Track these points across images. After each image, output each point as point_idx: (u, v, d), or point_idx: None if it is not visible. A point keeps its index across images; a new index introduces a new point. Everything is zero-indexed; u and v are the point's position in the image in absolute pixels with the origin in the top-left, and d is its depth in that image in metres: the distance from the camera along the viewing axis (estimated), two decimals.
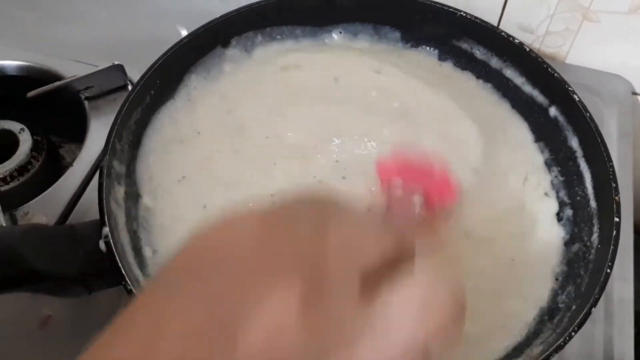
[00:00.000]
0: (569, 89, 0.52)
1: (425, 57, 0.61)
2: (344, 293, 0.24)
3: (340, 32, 0.61)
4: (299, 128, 0.55)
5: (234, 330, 0.22)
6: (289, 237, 0.26)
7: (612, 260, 0.43)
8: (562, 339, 0.40)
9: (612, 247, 0.44)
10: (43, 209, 0.57)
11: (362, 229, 0.28)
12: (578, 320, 0.41)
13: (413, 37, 0.61)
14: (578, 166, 0.51)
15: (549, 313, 0.46)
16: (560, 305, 0.46)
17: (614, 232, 0.44)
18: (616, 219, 0.45)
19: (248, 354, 0.22)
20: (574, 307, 0.44)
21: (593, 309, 0.41)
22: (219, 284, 0.24)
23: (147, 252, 0.48)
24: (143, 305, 0.24)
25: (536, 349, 0.43)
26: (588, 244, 0.48)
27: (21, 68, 0.67)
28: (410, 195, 0.42)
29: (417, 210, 0.42)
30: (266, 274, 0.24)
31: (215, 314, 0.23)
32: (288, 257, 0.25)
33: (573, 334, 0.40)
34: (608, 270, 0.43)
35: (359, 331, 0.24)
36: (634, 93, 0.70)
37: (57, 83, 0.63)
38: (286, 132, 0.54)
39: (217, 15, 0.56)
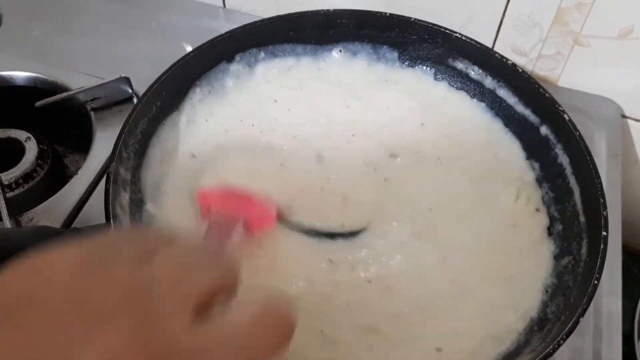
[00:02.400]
0: (560, 108, 0.54)
1: (421, 77, 0.63)
2: (174, 319, 0.24)
3: (340, 51, 0.63)
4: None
5: None
6: (112, 270, 0.25)
7: (600, 272, 0.45)
8: (550, 347, 0.42)
9: (599, 260, 0.45)
10: (48, 215, 0.58)
11: (190, 258, 0.27)
12: (566, 329, 0.42)
13: (410, 57, 0.63)
14: (568, 182, 0.53)
15: (539, 323, 0.48)
16: (549, 316, 0.47)
17: (602, 246, 0.46)
18: (604, 233, 0.47)
19: None
20: (563, 317, 0.46)
21: (581, 318, 0.43)
22: (37, 328, 0.22)
23: None
24: None
25: (526, 357, 0.44)
26: (577, 257, 0.49)
27: (30, 79, 0.69)
28: (229, 222, 0.44)
29: (237, 235, 0.44)
30: (91, 312, 0.23)
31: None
32: (113, 291, 0.24)
33: (562, 342, 0.42)
34: (596, 282, 0.44)
35: (192, 354, 0.24)
36: (623, 116, 0.72)
37: (65, 94, 0.65)
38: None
39: (222, 32, 0.58)
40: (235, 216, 0.45)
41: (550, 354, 0.41)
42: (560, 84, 0.73)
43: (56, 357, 0.22)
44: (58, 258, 0.25)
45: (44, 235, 0.44)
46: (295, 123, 0.59)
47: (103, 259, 0.25)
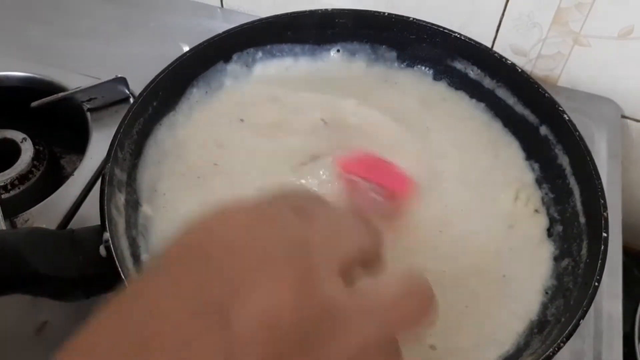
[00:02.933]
0: (559, 108, 0.54)
1: (420, 77, 0.62)
2: (330, 279, 0.26)
3: (339, 51, 0.62)
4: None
5: (227, 312, 0.23)
6: (276, 228, 0.27)
7: (600, 274, 0.44)
8: (551, 350, 0.41)
9: (600, 262, 0.45)
10: (43, 216, 0.57)
11: (342, 221, 0.29)
12: (567, 331, 0.42)
13: (409, 57, 0.62)
14: (568, 183, 0.53)
15: (539, 326, 0.47)
16: (549, 318, 0.47)
17: (602, 247, 0.46)
18: (604, 234, 0.46)
19: (242, 334, 0.23)
20: (563, 319, 0.45)
21: (581, 321, 0.42)
22: (211, 271, 0.24)
23: (145, 259, 0.49)
24: (137, 290, 0.25)
25: None
26: (577, 258, 0.49)
27: (26, 79, 0.68)
28: (370, 189, 0.44)
29: (377, 203, 0.44)
30: (259, 259, 0.25)
31: (208, 297, 0.23)
32: (277, 247, 0.26)
33: (562, 344, 0.41)
34: (596, 284, 0.44)
35: (346, 314, 0.25)
36: (623, 116, 0.72)
37: (61, 94, 0.65)
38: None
39: (219, 32, 0.58)
40: (377, 182, 0.45)
41: (550, 357, 0.41)
42: (560, 84, 0.73)
43: (227, 300, 0.23)
44: (230, 215, 0.27)
45: (39, 237, 0.44)
46: (294, 123, 0.58)
47: (269, 214, 0.27)
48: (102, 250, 0.44)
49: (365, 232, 0.30)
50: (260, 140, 0.55)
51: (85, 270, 0.44)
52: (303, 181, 0.52)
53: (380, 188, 0.46)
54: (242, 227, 0.26)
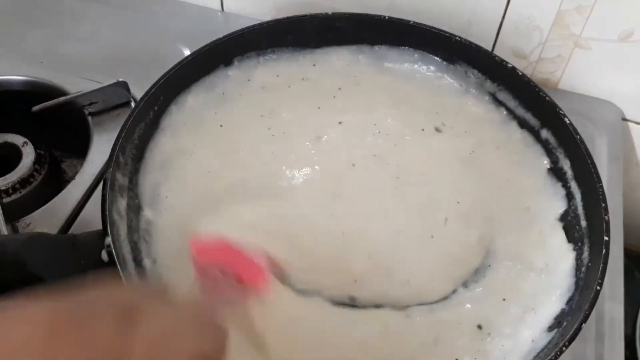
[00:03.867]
0: (560, 112, 0.54)
1: (421, 80, 0.62)
2: None
3: (340, 53, 0.62)
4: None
5: None
6: (85, 334, 0.22)
7: (602, 278, 0.44)
8: (553, 353, 0.41)
9: (601, 265, 0.45)
10: (45, 221, 0.57)
11: (178, 324, 0.25)
12: (569, 335, 0.42)
13: (410, 60, 0.62)
14: (569, 187, 0.53)
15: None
16: (552, 322, 0.47)
17: (604, 251, 0.46)
18: (605, 238, 0.46)
19: None
20: (565, 323, 0.45)
21: (584, 324, 0.42)
22: None
23: (147, 263, 0.49)
24: None
25: None
26: (579, 262, 0.49)
27: (27, 83, 0.68)
28: (223, 277, 0.43)
29: (230, 291, 0.43)
30: None
31: None
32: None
33: (564, 348, 0.41)
34: (598, 287, 0.44)
35: None
36: (624, 119, 0.72)
37: (62, 98, 0.65)
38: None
39: (221, 36, 0.58)
40: (229, 270, 0.44)
41: None
42: (561, 86, 0.73)
43: None
44: (25, 318, 0.22)
45: (41, 242, 0.44)
46: (295, 126, 0.58)
47: (77, 320, 0.23)
48: (104, 255, 0.44)
49: (204, 335, 0.26)
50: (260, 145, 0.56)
51: (87, 274, 0.44)
52: None
53: (233, 276, 0.44)
54: (35, 337, 0.21)
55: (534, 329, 0.47)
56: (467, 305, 0.49)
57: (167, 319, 0.25)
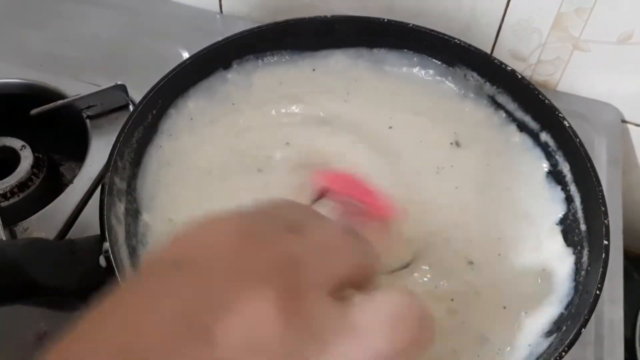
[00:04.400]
0: (560, 115, 0.54)
1: (420, 83, 0.62)
2: (320, 295, 0.25)
3: (339, 57, 0.62)
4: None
5: (211, 330, 0.22)
6: (266, 239, 0.26)
7: (602, 282, 0.44)
8: (552, 358, 0.41)
9: (601, 270, 0.45)
10: (43, 225, 0.57)
11: (335, 238, 0.28)
12: (568, 340, 0.42)
13: (408, 63, 0.62)
14: (568, 190, 0.53)
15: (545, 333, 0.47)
16: (551, 326, 0.47)
17: (603, 255, 0.45)
18: (605, 242, 0.46)
19: (227, 349, 0.22)
20: (564, 327, 0.45)
21: (583, 329, 0.42)
22: (195, 286, 0.24)
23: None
24: (121, 299, 0.24)
25: None
26: (578, 266, 0.49)
27: (25, 86, 0.68)
28: (353, 206, 0.43)
29: (365, 219, 0.43)
30: (245, 275, 0.24)
31: (191, 314, 0.23)
32: (265, 259, 0.25)
33: (564, 353, 0.41)
34: (597, 292, 0.44)
35: (335, 332, 0.24)
36: (623, 121, 0.72)
37: (60, 101, 0.64)
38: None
39: (219, 39, 0.58)
40: (357, 201, 0.44)
41: None
42: (560, 88, 0.73)
43: (211, 317, 0.23)
44: (219, 226, 0.27)
45: (38, 248, 0.44)
46: (294, 130, 0.58)
47: (258, 226, 0.27)
48: (102, 261, 0.44)
49: (358, 249, 0.29)
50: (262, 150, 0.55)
51: (85, 280, 0.44)
52: None
53: (363, 207, 0.44)
54: (229, 240, 0.26)
55: (532, 333, 0.47)
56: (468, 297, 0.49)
57: (328, 232, 0.28)
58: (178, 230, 0.27)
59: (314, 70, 0.62)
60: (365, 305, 0.26)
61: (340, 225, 0.30)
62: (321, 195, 0.46)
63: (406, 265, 0.50)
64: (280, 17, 0.61)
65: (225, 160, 0.55)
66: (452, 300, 0.48)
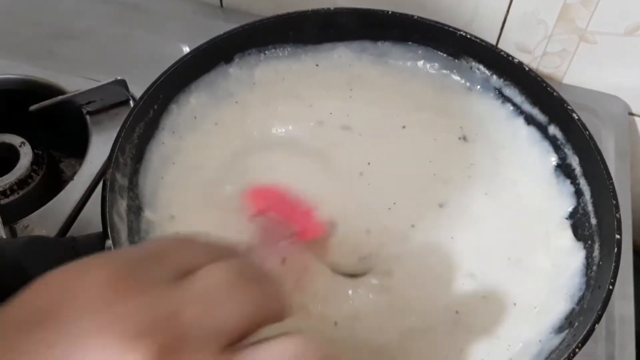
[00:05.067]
0: (568, 107, 0.53)
1: (425, 76, 0.61)
2: (205, 351, 0.23)
3: (342, 50, 0.61)
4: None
5: None
6: (144, 288, 0.23)
7: (614, 277, 0.43)
8: (565, 356, 0.40)
9: (614, 264, 0.44)
10: (43, 222, 0.56)
11: (230, 282, 0.25)
12: (581, 337, 0.41)
13: (413, 56, 0.61)
14: (578, 184, 0.52)
15: (556, 330, 0.46)
16: (562, 322, 0.46)
17: (615, 249, 0.45)
18: (617, 236, 0.45)
19: None
20: (576, 324, 0.44)
21: (596, 325, 0.42)
22: (62, 340, 0.22)
23: None
24: None
25: None
26: (589, 261, 0.48)
27: (24, 82, 0.67)
28: (279, 227, 0.42)
29: (286, 242, 0.41)
30: (116, 330, 0.22)
31: None
32: (142, 312, 0.22)
33: (577, 350, 0.40)
34: (610, 287, 0.43)
35: None
36: (631, 113, 0.71)
37: (60, 97, 0.63)
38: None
39: (220, 32, 0.57)
40: (286, 222, 0.43)
41: None
42: (566, 81, 0.72)
43: None
44: (90, 272, 0.24)
45: (39, 246, 0.43)
46: (296, 125, 0.57)
47: (136, 274, 0.24)
48: None
49: (257, 296, 0.25)
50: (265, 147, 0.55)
51: None
52: None
53: (289, 226, 0.43)
54: (101, 288, 0.23)
55: (543, 329, 0.46)
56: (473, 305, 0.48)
57: (220, 279, 0.25)
58: (45, 275, 0.24)
59: (317, 65, 0.61)
60: (256, 354, 0.24)
61: (241, 267, 0.26)
62: (258, 213, 0.44)
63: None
64: (282, 10, 0.60)
65: (228, 157, 0.54)
66: (456, 312, 0.47)
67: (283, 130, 0.56)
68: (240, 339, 0.24)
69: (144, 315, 0.22)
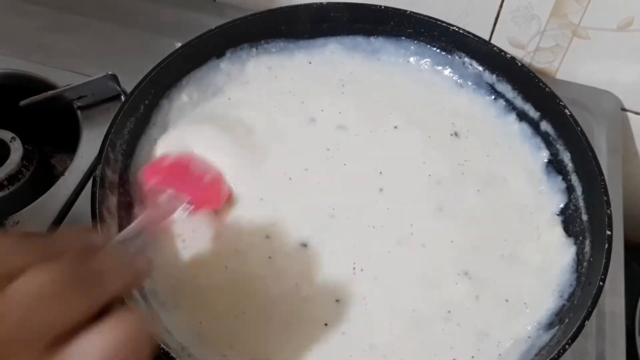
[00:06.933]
0: (561, 103, 0.53)
1: (418, 71, 0.61)
2: (29, 351, 0.23)
3: (334, 45, 0.61)
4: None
5: None
6: None
7: (605, 274, 0.44)
8: (555, 352, 0.40)
9: (604, 260, 0.44)
10: (34, 218, 0.56)
11: (55, 284, 0.25)
12: (572, 333, 0.41)
13: (406, 50, 0.61)
14: (570, 180, 0.52)
15: (545, 327, 0.46)
16: (553, 318, 0.46)
17: (606, 245, 0.45)
18: (608, 232, 0.45)
19: None
20: (567, 320, 0.44)
21: (587, 322, 0.42)
22: None
23: None
24: None
25: None
26: (580, 257, 0.48)
27: (14, 76, 0.66)
28: (172, 203, 0.43)
29: (182, 213, 0.43)
30: None
31: None
32: None
33: (567, 347, 0.40)
34: (601, 283, 0.43)
35: None
36: (623, 109, 0.71)
37: (50, 92, 0.63)
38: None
39: (212, 27, 0.56)
40: (180, 196, 0.44)
41: (555, 359, 0.40)
42: (559, 76, 0.72)
43: None
44: None
45: None
46: (288, 118, 0.57)
47: None
48: None
49: (86, 295, 0.25)
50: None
51: None
52: None
53: (185, 197, 0.45)
54: None
55: (533, 326, 0.47)
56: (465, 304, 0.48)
57: (44, 279, 0.25)
58: None
59: (310, 63, 0.60)
60: (71, 350, 0.24)
61: (67, 268, 0.26)
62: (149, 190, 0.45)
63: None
64: (275, 5, 0.59)
65: (219, 152, 0.53)
66: (448, 312, 0.47)
67: (275, 127, 0.56)
68: (72, 333, 0.24)
69: None
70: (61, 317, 0.24)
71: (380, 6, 0.59)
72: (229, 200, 0.49)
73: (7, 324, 0.23)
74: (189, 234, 0.47)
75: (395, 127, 0.56)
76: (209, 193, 0.48)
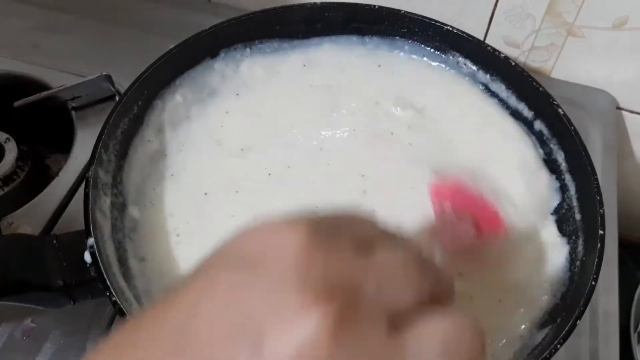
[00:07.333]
0: (554, 102, 0.53)
1: (412, 70, 0.61)
2: (376, 322, 0.24)
3: (329, 46, 0.61)
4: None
5: (262, 338, 0.22)
6: (335, 253, 0.25)
7: (597, 273, 0.44)
8: (547, 351, 0.40)
9: (597, 260, 0.44)
10: (28, 219, 0.56)
11: (405, 262, 0.26)
12: (564, 332, 0.41)
13: (400, 50, 0.61)
14: (563, 179, 0.52)
15: (539, 325, 0.46)
16: (545, 317, 0.46)
17: (599, 245, 0.45)
18: (601, 232, 0.45)
19: None
20: (559, 319, 0.44)
21: (578, 321, 0.42)
22: (254, 288, 0.23)
23: (132, 263, 0.47)
24: (174, 303, 0.24)
25: None
26: (573, 256, 0.48)
27: (8, 77, 0.66)
28: (461, 222, 0.42)
29: (469, 237, 0.42)
30: (309, 287, 0.23)
31: (247, 315, 0.22)
32: (331, 274, 0.24)
33: (559, 346, 0.40)
34: (593, 283, 0.43)
35: None
36: (618, 108, 0.71)
37: (45, 93, 0.63)
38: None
39: (206, 27, 0.56)
40: (467, 216, 0.43)
41: (547, 359, 0.40)
42: (554, 75, 0.72)
43: (265, 323, 0.22)
44: (290, 228, 0.25)
45: (21, 244, 0.43)
46: (284, 119, 0.57)
47: (328, 239, 0.25)
48: (87, 256, 0.43)
49: (431, 277, 0.27)
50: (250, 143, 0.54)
51: (70, 276, 0.43)
52: None
53: (471, 222, 0.43)
54: (299, 246, 0.24)
55: (526, 325, 0.46)
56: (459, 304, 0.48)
57: (396, 258, 0.26)
58: (242, 227, 0.26)
59: (304, 65, 0.60)
60: (421, 333, 0.25)
61: (411, 250, 0.28)
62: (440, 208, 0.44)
63: None
64: (269, 5, 0.59)
65: (212, 153, 0.53)
66: None
67: (269, 128, 0.56)
68: (407, 313, 0.25)
69: (332, 279, 0.23)
70: (408, 295, 0.25)
71: (374, 6, 0.59)
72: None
73: (365, 288, 0.24)
74: None
75: (392, 134, 0.56)
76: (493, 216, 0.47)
